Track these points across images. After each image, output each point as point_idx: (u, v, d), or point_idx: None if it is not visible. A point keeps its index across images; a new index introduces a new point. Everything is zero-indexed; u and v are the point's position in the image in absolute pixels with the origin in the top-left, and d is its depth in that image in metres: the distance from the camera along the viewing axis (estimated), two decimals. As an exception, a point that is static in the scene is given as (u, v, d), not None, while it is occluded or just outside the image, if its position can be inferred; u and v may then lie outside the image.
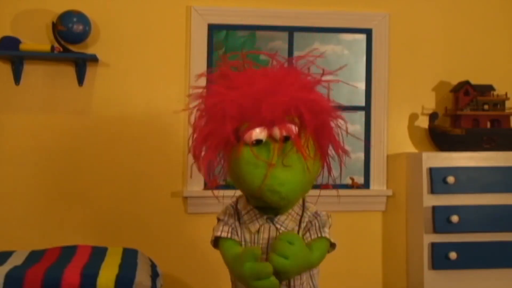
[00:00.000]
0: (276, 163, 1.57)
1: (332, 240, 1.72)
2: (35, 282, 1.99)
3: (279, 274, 1.52)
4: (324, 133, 1.68)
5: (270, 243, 1.67)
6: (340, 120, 1.73)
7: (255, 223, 1.70)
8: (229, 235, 1.71)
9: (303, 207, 1.75)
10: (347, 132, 1.75)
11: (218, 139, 1.64)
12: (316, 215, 1.73)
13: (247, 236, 1.71)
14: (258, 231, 1.69)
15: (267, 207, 1.65)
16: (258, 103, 1.58)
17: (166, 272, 2.67)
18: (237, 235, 1.71)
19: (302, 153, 1.58)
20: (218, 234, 1.71)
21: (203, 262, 2.80)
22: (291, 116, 1.60)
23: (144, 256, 2.48)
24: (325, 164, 1.77)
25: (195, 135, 1.71)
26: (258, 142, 1.60)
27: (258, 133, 1.60)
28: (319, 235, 1.68)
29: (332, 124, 1.71)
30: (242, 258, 1.56)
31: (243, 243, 1.71)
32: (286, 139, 1.60)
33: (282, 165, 1.57)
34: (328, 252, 1.74)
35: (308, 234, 1.70)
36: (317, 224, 1.71)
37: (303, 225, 1.71)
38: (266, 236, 1.68)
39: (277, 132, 1.60)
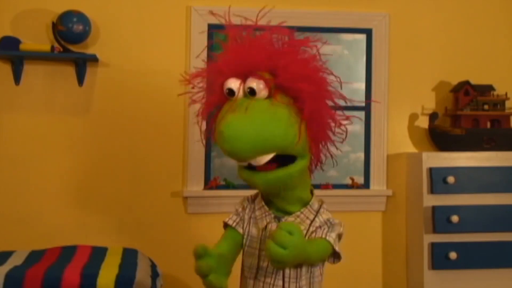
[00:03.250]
0: (235, 110, 1.55)
1: (337, 249, 1.68)
2: (35, 282, 1.99)
3: (274, 262, 1.48)
4: (309, 104, 1.62)
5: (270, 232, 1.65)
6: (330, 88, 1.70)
7: (264, 220, 1.71)
8: (234, 224, 1.75)
9: (317, 212, 1.72)
10: (344, 102, 1.73)
11: (212, 96, 1.70)
12: (327, 222, 1.71)
13: (254, 230, 1.72)
14: (265, 228, 1.70)
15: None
16: (238, 57, 1.62)
17: (166, 272, 2.67)
18: (242, 227, 1.74)
19: (274, 100, 1.57)
20: (226, 220, 1.77)
21: (203, 262, 2.80)
22: (262, 73, 1.59)
23: (144, 256, 2.48)
24: (314, 150, 1.71)
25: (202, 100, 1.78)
26: (231, 93, 1.61)
27: (230, 82, 1.61)
28: (323, 236, 1.65)
29: (322, 101, 1.68)
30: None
31: (247, 237, 1.72)
32: (251, 92, 1.58)
33: (237, 113, 1.54)
34: (334, 262, 1.72)
35: (313, 235, 1.68)
36: (325, 230, 1.68)
37: (312, 229, 1.69)
38: None
39: (248, 83, 1.59)
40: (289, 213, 1.70)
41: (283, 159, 1.60)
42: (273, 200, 1.70)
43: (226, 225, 1.78)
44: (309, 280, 1.72)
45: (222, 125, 1.52)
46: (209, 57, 2.84)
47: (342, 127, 1.74)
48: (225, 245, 1.71)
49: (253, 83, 1.58)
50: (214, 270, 1.57)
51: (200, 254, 1.56)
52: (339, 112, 1.74)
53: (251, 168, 1.62)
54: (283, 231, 1.46)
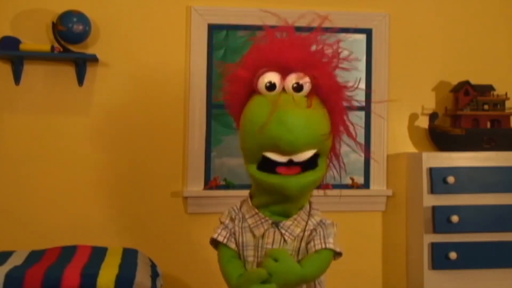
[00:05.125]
0: (286, 103, 1.56)
1: (338, 250, 1.70)
2: (35, 282, 1.99)
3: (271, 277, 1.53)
4: (334, 105, 1.68)
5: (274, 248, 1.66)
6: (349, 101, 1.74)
7: (260, 228, 1.69)
8: (225, 240, 1.71)
9: (309, 214, 1.73)
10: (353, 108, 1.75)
11: (239, 86, 1.68)
12: (321, 223, 1.72)
13: (251, 240, 1.70)
14: (262, 236, 1.69)
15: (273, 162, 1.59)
16: (275, 51, 1.62)
17: (166, 272, 2.67)
18: (235, 240, 1.71)
19: (313, 100, 1.60)
20: (215, 236, 1.72)
21: (203, 262, 2.80)
22: (306, 69, 1.61)
23: (144, 256, 2.48)
24: (333, 152, 1.77)
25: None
26: (272, 86, 1.60)
27: (272, 75, 1.61)
28: (323, 246, 1.66)
29: (342, 102, 1.72)
30: (248, 279, 1.56)
31: (243, 247, 1.70)
32: (298, 89, 1.60)
33: (293, 104, 1.56)
34: (334, 259, 1.72)
35: (312, 243, 1.67)
36: (321, 233, 1.69)
37: (307, 233, 1.69)
38: (270, 240, 1.68)
39: (291, 78, 1.60)
40: (287, 216, 1.70)
41: (304, 164, 1.62)
42: (283, 206, 1.67)
43: (215, 241, 1.74)
44: (311, 284, 1.73)
45: (286, 114, 1.52)
46: (209, 57, 2.86)
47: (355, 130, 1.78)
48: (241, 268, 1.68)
49: (300, 79, 1.60)
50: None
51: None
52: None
53: (271, 172, 1.61)
54: (268, 258, 1.53)
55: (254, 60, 1.65)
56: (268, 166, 1.61)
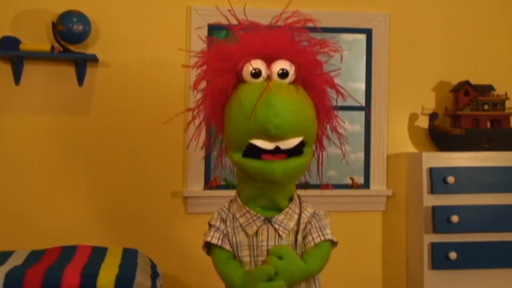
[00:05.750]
0: (274, 88, 1.55)
1: (335, 240, 1.70)
2: (35, 282, 1.99)
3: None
4: (317, 93, 1.69)
5: (270, 245, 1.65)
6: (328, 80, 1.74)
7: (253, 225, 1.67)
8: (220, 242, 1.69)
9: (301, 206, 1.73)
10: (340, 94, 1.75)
11: (218, 81, 1.65)
12: (314, 215, 1.72)
13: (244, 239, 1.68)
14: (256, 234, 1.67)
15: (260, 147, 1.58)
16: (259, 39, 1.63)
17: (166, 272, 2.67)
18: (229, 241, 1.69)
19: (299, 86, 1.60)
20: (208, 239, 1.70)
21: (203, 262, 2.78)
22: (291, 55, 1.62)
23: (144, 256, 2.48)
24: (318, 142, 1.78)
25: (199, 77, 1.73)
26: (257, 74, 1.60)
27: (257, 62, 1.61)
28: (322, 238, 1.66)
29: (326, 89, 1.73)
30: (255, 277, 1.54)
31: (237, 247, 1.68)
32: (284, 75, 1.60)
33: (280, 90, 1.56)
34: (332, 248, 1.73)
35: (310, 237, 1.67)
36: (317, 225, 1.68)
37: (302, 226, 1.69)
38: (265, 238, 1.67)
39: (277, 65, 1.60)
40: (278, 210, 1.69)
41: (289, 152, 1.61)
42: (270, 195, 1.65)
43: (208, 244, 1.72)
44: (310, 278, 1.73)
45: (275, 98, 1.51)
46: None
47: (340, 126, 1.79)
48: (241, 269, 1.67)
49: (286, 65, 1.60)
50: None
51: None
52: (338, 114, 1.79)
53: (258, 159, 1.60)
54: (272, 256, 1.52)
55: (238, 49, 1.64)
56: (253, 154, 1.60)
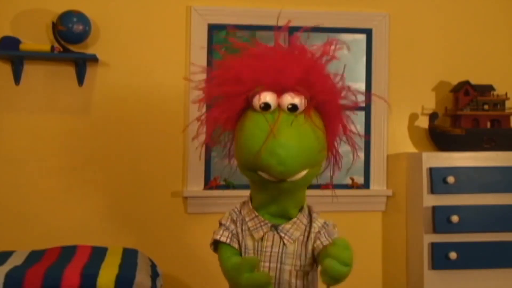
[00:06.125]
0: (280, 128, 1.54)
1: None
2: (35, 282, 1.99)
3: (333, 280, 1.49)
4: (332, 113, 1.68)
5: (274, 251, 1.66)
6: (349, 102, 1.75)
7: (259, 231, 1.69)
8: (228, 240, 1.69)
9: (310, 218, 1.73)
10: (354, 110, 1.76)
11: (229, 101, 1.65)
12: (324, 225, 1.73)
13: (250, 243, 1.69)
14: (261, 239, 1.68)
15: (267, 183, 1.59)
16: (272, 69, 1.60)
17: (166, 272, 2.67)
18: (237, 241, 1.70)
19: (309, 117, 1.59)
20: (217, 237, 1.71)
21: (203, 262, 2.80)
22: (302, 89, 1.60)
23: (144, 256, 2.48)
24: (332, 154, 1.77)
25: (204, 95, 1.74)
26: (266, 107, 1.59)
27: (268, 95, 1.60)
28: (330, 241, 1.67)
29: (341, 107, 1.73)
30: (240, 268, 1.54)
31: (244, 250, 1.69)
32: (293, 109, 1.59)
33: (286, 130, 1.55)
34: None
35: (318, 241, 1.68)
36: (326, 233, 1.70)
37: (312, 235, 1.70)
38: (269, 243, 1.68)
39: (287, 98, 1.59)
40: (287, 219, 1.70)
41: None
42: (281, 203, 1.67)
43: (216, 242, 1.73)
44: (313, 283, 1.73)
45: (278, 146, 1.51)
46: (209, 58, 2.86)
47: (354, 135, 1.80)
48: (237, 258, 1.66)
49: (296, 99, 1.59)
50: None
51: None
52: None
53: None
54: (344, 248, 1.49)
55: (251, 75, 1.62)
56: None
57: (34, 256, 2.33)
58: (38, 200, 2.77)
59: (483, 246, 2.69)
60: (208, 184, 2.86)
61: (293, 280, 1.67)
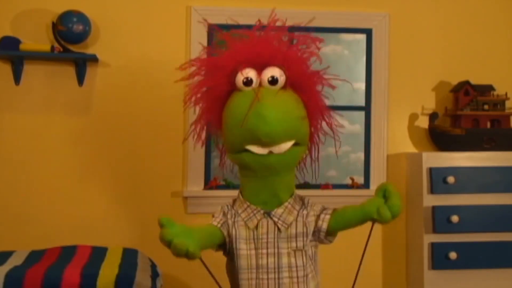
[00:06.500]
0: (264, 96, 1.64)
1: None
2: (35, 282, 1.99)
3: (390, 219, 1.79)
4: (308, 94, 1.77)
5: (270, 238, 1.71)
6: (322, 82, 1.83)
7: (253, 219, 1.74)
8: (219, 225, 1.77)
9: (302, 203, 1.79)
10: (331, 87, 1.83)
11: (214, 89, 1.77)
12: (323, 209, 1.82)
13: (243, 232, 1.74)
14: (256, 227, 1.73)
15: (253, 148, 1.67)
16: (249, 47, 1.72)
17: (166, 272, 2.67)
18: (226, 231, 1.76)
19: (289, 89, 1.70)
20: (210, 222, 1.78)
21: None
22: (279, 63, 1.70)
23: (144, 256, 2.48)
24: (315, 133, 1.85)
25: (192, 90, 1.87)
26: (249, 82, 1.69)
27: (249, 71, 1.69)
28: (332, 208, 1.81)
29: (317, 90, 1.82)
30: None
31: (236, 239, 1.74)
32: (273, 82, 1.69)
33: (270, 97, 1.65)
34: (330, 242, 1.84)
35: (322, 215, 1.78)
36: (327, 213, 1.80)
37: (313, 218, 1.76)
38: (265, 231, 1.73)
39: (267, 72, 1.69)
40: (278, 203, 1.75)
41: None
42: (271, 187, 1.73)
43: None
44: (312, 267, 1.77)
45: (263, 107, 1.61)
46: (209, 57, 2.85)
47: (334, 124, 1.88)
48: (198, 226, 1.73)
49: (275, 72, 1.69)
50: (178, 235, 1.59)
51: (162, 224, 1.65)
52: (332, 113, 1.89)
53: None
54: (396, 192, 1.77)
55: (231, 57, 1.74)
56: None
57: (34, 256, 2.33)
58: (38, 200, 2.77)
59: (483, 246, 2.69)
60: (208, 184, 2.86)
61: (292, 261, 1.72)
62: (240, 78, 1.69)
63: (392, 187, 1.77)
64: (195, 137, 1.92)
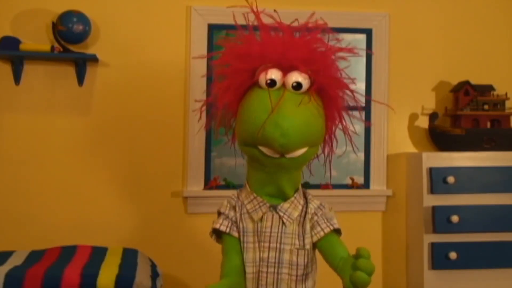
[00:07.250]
0: (285, 104, 1.60)
1: (340, 229, 1.78)
2: (35, 282, 1.99)
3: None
4: (331, 99, 1.74)
5: (274, 231, 1.70)
6: (348, 92, 1.81)
7: (258, 211, 1.72)
8: (228, 230, 1.73)
9: (306, 199, 1.78)
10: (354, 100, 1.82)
11: (238, 77, 1.71)
12: (320, 206, 1.78)
13: (250, 225, 1.73)
14: (261, 219, 1.72)
15: (268, 156, 1.64)
16: (280, 45, 1.67)
17: (166, 272, 2.67)
18: (237, 229, 1.74)
19: (312, 96, 1.64)
20: (217, 226, 1.75)
21: (203, 262, 2.80)
22: (306, 69, 1.65)
23: (144, 256, 2.48)
24: (329, 137, 1.83)
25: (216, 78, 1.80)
26: (272, 83, 1.65)
27: (274, 72, 1.65)
28: (331, 228, 1.73)
29: (340, 96, 1.79)
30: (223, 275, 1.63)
31: (244, 233, 1.72)
32: (297, 87, 1.64)
33: (291, 106, 1.60)
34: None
35: (319, 228, 1.73)
36: (324, 216, 1.75)
37: (309, 216, 1.74)
38: (269, 224, 1.72)
39: (292, 76, 1.64)
40: (284, 199, 1.74)
41: None
42: (278, 182, 1.71)
43: (216, 231, 1.78)
44: (311, 267, 1.76)
45: (282, 118, 1.56)
46: (209, 57, 2.86)
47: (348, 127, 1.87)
48: (232, 279, 1.69)
49: (300, 78, 1.65)
50: None
51: None
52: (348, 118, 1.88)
53: None
54: (367, 259, 1.60)
55: (258, 53, 1.68)
56: None
57: (34, 256, 2.33)
58: (38, 200, 2.77)
59: (483, 246, 2.69)
60: (208, 184, 2.86)
61: (294, 259, 1.71)
62: (264, 77, 1.65)
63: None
64: (199, 118, 1.90)
